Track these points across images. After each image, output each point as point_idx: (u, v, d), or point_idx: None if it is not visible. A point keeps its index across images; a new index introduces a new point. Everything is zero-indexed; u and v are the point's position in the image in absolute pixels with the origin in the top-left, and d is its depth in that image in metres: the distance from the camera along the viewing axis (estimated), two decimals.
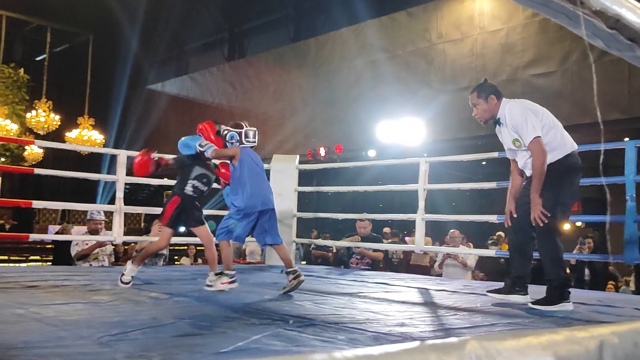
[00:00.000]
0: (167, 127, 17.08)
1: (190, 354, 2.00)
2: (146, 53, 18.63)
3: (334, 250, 9.87)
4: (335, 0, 15.14)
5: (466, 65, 11.02)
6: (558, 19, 1.48)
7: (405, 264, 8.58)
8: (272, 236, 4.12)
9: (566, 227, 14.83)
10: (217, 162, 4.55)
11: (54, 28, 17.41)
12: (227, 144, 4.19)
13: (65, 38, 18.78)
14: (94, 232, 6.42)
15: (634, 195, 4.72)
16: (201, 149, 4.08)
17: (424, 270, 8.40)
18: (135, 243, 6.98)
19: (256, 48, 17.67)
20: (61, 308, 2.97)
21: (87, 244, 6.26)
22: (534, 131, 3.47)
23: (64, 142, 16.01)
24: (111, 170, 12.70)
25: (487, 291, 3.92)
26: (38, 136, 16.08)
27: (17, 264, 11.81)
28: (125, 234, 6.33)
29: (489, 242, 9.22)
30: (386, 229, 10.04)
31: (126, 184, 6.03)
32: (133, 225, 15.99)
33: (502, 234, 11.22)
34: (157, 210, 5.36)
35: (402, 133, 11.14)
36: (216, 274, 4.11)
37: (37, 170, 6.59)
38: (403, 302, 3.74)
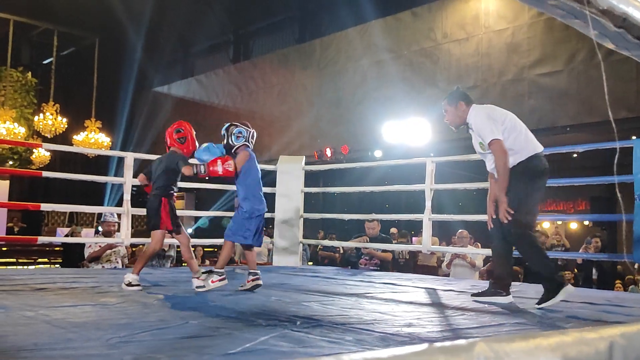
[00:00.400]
0: None
1: (198, 356, 2.00)
2: (152, 56, 18.69)
3: (341, 251, 9.87)
4: (340, 1, 15.14)
5: (472, 65, 10.99)
6: (566, 20, 1.48)
7: (413, 265, 8.57)
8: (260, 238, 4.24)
9: (573, 226, 14.80)
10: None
11: (60, 32, 17.47)
12: (233, 138, 4.19)
13: (72, 41, 18.85)
14: (107, 233, 6.46)
15: None
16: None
17: (431, 270, 8.39)
18: (143, 245, 7.00)
19: (261, 49, 17.68)
20: (70, 310, 2.98)
21: (99, 246, 6.30)
22: (492, 134, 3.67)
23: (71, 145, 16.06)
24: (118, 172, 12.75)
25: (472, 295, 3.96)
26: (45, 139, 16.15)
27: (25, 267, 11.87)
28: (133, 235, 6.35)
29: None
30: (393, 230, 10.02)
31: (133, 186, 6.05)
32: (140, 227, 16.02)
33: None
34: None
35: (408, 133, 11.11)
36: (204, 272, 4.12)
37: (46, 173, 6.63)
38: (410, 303, 3.73)
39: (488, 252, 7.88)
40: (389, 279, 5.38)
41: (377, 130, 11.67)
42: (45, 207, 6.41)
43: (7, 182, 16.61)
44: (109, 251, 6.33)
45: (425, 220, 5.93)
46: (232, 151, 4.22)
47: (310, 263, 9.71)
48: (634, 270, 8.56)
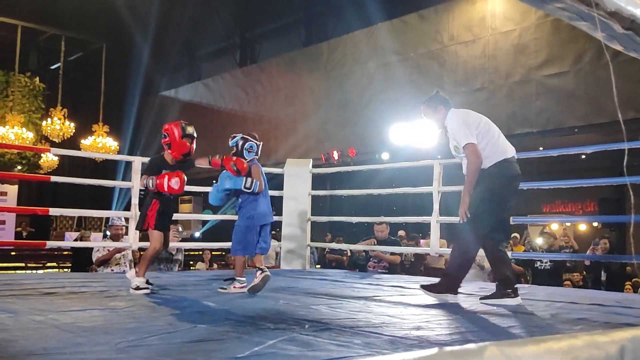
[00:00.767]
0: None
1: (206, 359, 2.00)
2: (159, 60, 18.76)
3: (348, 254, 9.86)
4: (346, 4, 15.15)
5: (479, 67, 10.97)
6: (573, 22, 1.47)
7: (423, 267, 8.55)
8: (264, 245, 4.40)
9: (582, 227, 14.72)
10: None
11: (68, 37, 17.56)
12: (245, 152, 4.34)
13: (79, 46, 18.95)
14: (115, 237, 6.50)
15: None
16: (248, 189, 4.21)
17: (440, 272, 8.36)
18: None
19: (268, 53, 17.70)
20: (78, 314, 3.00)
21: (108, 250, 6.33)
22: (466, 138, 3.81)
23: (79, 149, 16.14)
24: (126, 176, 12.79)
25: (480, 298, 3.97)
26: (53, 144, 16.22)
27: (34, 271, 11.92)
28: (141, 239, 6.37)
29: None
30: (401, 232, 10.00)
31: (141, 190, 6.07)
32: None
33: (517, 235, 11.17)
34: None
35: (415, 135, 11.10)
36: (227, 280, 4.38)
37: (54, 178, 6.67)
38: (419, 306, 3.72)
39: None
40: (397, 281, 5.37)
41: (384, 133, 11.66)
42: (53, 211, 6.45)
43: (16, 187, 16.70)
44: (117, 255, 6.36)
45: (433, 222, 5.92)
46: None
47: (318, 266, 9.71)
48: None
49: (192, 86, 18.71)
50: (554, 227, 11.43)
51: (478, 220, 3.78)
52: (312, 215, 6.99)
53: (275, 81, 15.42)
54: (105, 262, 6.31)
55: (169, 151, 4.25)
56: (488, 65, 10.82)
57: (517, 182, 3.93)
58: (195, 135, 4.32)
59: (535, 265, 8.03)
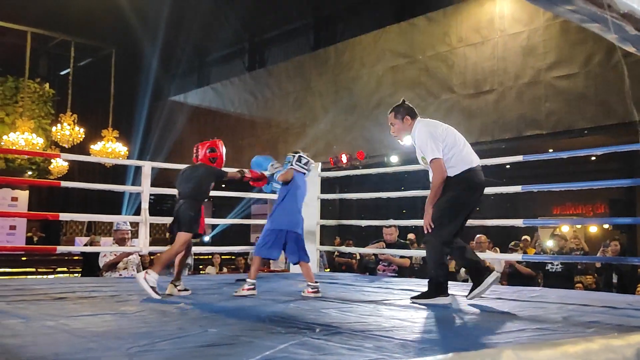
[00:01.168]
0: (190, 137, 17.21)
1: None
2: (168, 65, 18.84)
3: (358, 257, 9.84)
4: (354, 8, 15.17)
5: (488, 69, 10.93)
6: (585, 24, 1.46)
7: None
8: (293, 255, 4.53)
9: (593, 229, 14.63)
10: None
11: (77, 43, 17.64)
12: (295, 164, 4.72)
13: (89, 52, 19.06)
14: (120, 242, 6.52)
15: None
16: (271, 171, 4.67)
17: (450, 275, 8.32)
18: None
19: (276, 57, 17.74)
20: (90, 319, 3.00)
21: (115, 255, 6.35)
22: (432, 153, 3.94)
23: (89, 154, 16.21)
24: (136, 181, 12.84)
25: (411, 298, 4.10)
26: (63, 149, 16.31)
27: (45, 276, 11.99)
28: (151, 244, 6.39)
29: (510, 246, 9.14)
30: (411, 235, 9.97)
31: (151, 194, 6.09)
32: (158, 235, 16.11)
33: (528, 237, 11.11)
34: None
35: None
36: (239, 280, 4.60)
37: (64, 183, 6.70)
38: (429, 309, 3.71)
39: (506, 256, 7.82)
40: (408, 285, 5.35)
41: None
42: (64, 216, 6.47)
43: (27, 192, 16.81)
44: (125, 259, 6.38)
45: None
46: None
47: (328, 270, 9.69)
48: None
49: (201, 91, 18.77)
50: (565, 229, 11.36)
51: (443, 227, 3.92)
52: (321, 219, 6.98)
53: (283, 85, 15.45)
54: (113, 266, 6.33)
55: (212, 164, 4.55)
56: (497, 67, 10.78)
57: (481, 190, 4.09)
58: None
59: (547, 268, 7.97)
